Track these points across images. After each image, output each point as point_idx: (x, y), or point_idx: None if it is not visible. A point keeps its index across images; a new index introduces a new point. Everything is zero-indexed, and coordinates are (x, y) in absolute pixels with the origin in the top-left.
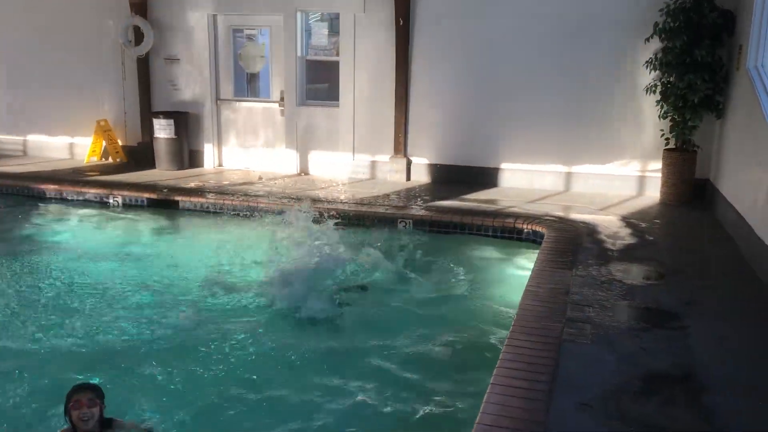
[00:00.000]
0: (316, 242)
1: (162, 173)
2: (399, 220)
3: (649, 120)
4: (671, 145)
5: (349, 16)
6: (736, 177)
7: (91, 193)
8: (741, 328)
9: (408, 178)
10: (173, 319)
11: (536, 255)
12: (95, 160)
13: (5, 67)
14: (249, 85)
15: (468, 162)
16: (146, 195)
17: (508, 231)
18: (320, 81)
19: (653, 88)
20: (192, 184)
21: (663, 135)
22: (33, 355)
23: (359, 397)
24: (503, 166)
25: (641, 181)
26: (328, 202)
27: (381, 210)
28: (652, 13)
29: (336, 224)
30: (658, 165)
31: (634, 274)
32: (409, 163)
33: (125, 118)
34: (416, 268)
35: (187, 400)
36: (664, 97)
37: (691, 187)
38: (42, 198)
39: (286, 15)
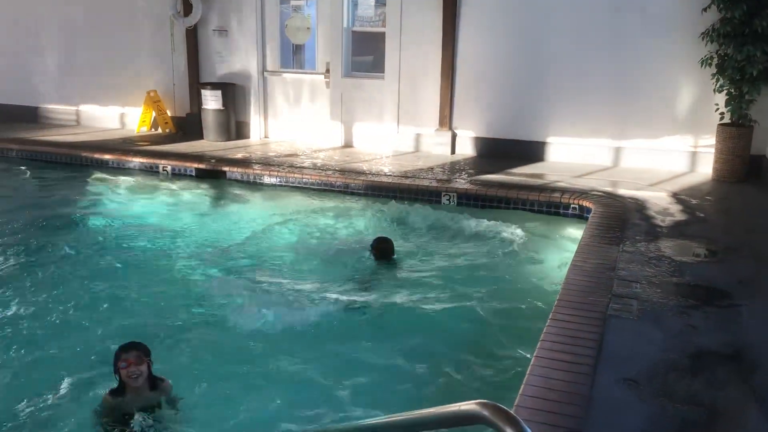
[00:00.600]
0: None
1: (210, 144)
2: (443, 194)
3: (703, 94)
4: (726, 120)
5: None
6: None
7: (142, 162)
8: None
9: (453, 151)
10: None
11: (582, 230)
12: (145, 130)
13: (58, 38)
14: (295, 56)
15: (514, 135)
16: (194, 165)
17: (554, 206)
18: (366, 53)
19: (709, 61)
20: (239, 155)
21: (717, 109)
22: (86, 318)
23: (398, 362)
24: (550, 139)
25: (693, 156)
26: (372, 174)
27: (425, 183)
28: None
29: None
30: (711, 140)
31: (684, 251)
32: (454, 136)
33: (174, 89)
34: (460, 241)
35: (225, 362)
36: (721, 70)
37: (746, 163)
38: (95, 166)
39: None
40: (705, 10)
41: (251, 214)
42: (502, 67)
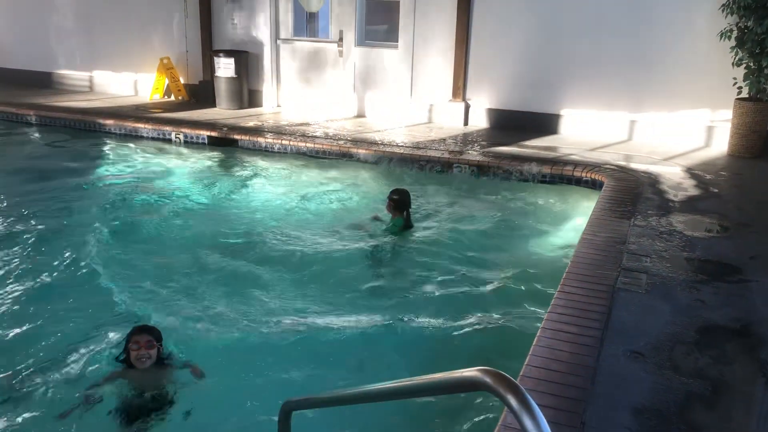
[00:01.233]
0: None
1: (222, 112)
2: (455, 165)
3: (720, 67)
4: (744, 95)
5: None
6: None
7: (154, 129)
8: None
9: (466, 122)
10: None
11: (594, 204)
12: (158, 97)
13: (72, 4)
14: (308, 25)
15: (528, 107)
16: (206, 132)
17: (566, 179)
18: (380, 22)
19: (728, 34)
20: (251, 123)
21: (735, 83)
22: (108, 282)
23: (412, 324)
24: (564, 112)
25: (708, 131)
26: (384, 144)
27: (437, 154)
28: None
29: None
30: (727, 115)
31: (695, 226)
32: (467, 108)
33: (187, 56)
34: (470, 213)
35: (256, 319)
36: (740, 43)
37: (762, 138)
38: (108, 133)
39: None
40: None
41: (262, 182)
42: (517, 38)
